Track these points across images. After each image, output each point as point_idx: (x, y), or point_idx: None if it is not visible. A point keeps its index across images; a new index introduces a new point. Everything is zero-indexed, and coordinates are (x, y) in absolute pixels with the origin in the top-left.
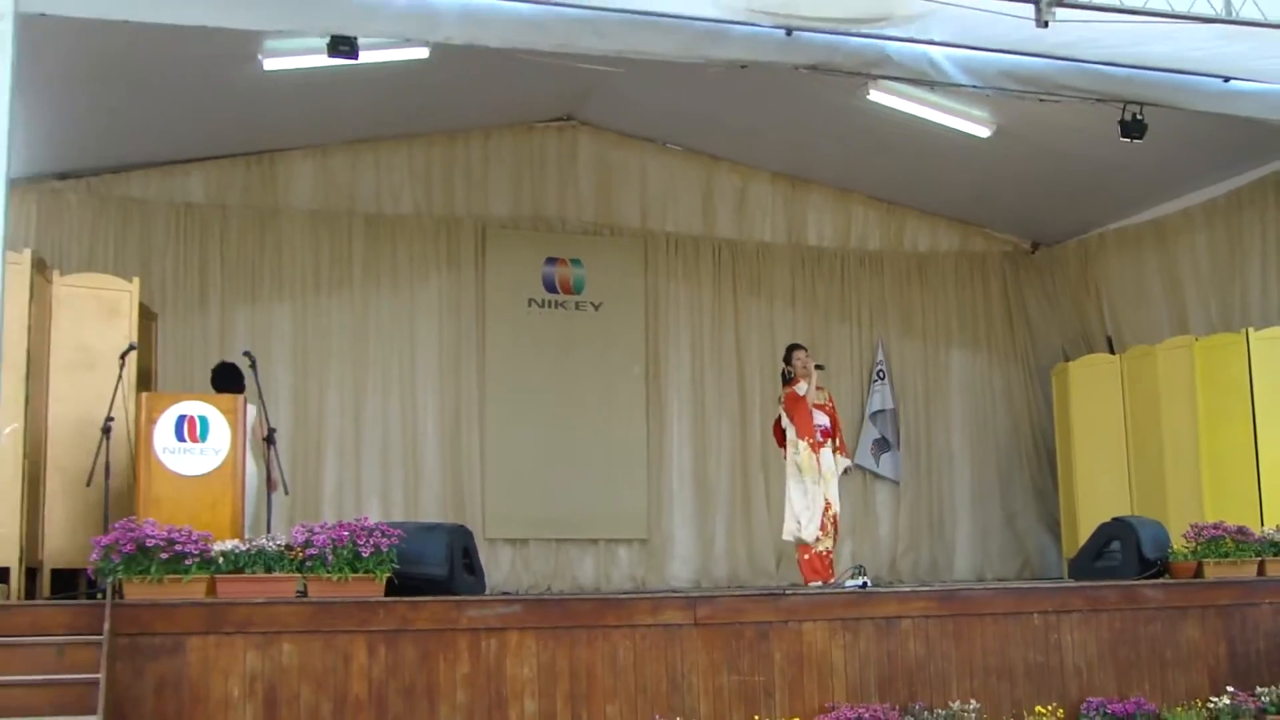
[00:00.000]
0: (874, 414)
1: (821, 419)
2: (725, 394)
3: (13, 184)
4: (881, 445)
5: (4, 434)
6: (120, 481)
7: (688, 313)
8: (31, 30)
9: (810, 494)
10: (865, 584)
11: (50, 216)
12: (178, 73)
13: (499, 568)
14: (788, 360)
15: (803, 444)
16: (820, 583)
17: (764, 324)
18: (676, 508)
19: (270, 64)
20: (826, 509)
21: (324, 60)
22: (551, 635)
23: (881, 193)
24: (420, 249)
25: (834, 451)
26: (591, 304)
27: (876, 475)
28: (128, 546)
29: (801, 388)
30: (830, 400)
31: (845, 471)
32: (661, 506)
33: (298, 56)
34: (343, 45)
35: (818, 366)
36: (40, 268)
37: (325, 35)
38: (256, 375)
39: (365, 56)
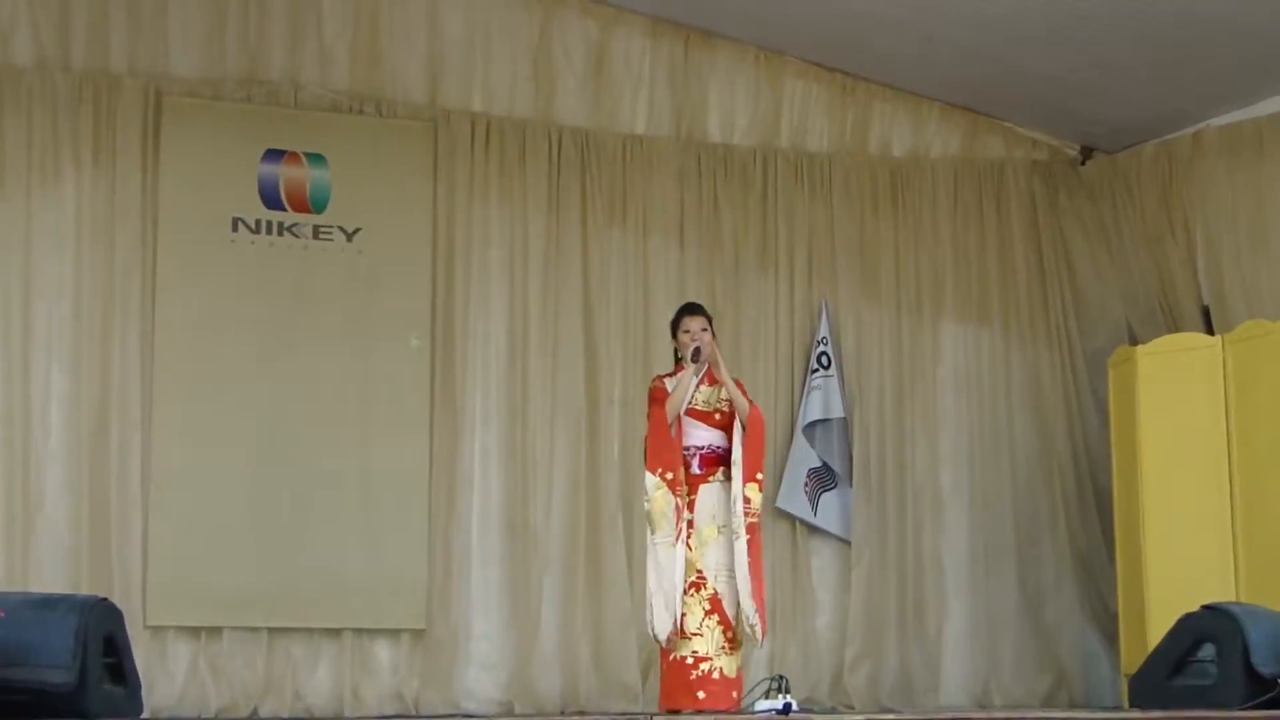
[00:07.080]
0: (809, 426)
1: (707, 435)
2: (562, 384)
3: None
4: (821, 478)
5: None
6: None
7: (503, 248)
8: None
9: (662, 562)
10: (789, 706)
11: None
12: None
13: (170, 675)
14: (674, 333)
15: (650, 479)
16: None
17: (632, 269)
18: (476, 576)
19: None
20: (699, 587)
21: None
22: None
23: (830, 58)
24: (44, 128)
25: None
26: (341, 230)
27: (812, 528)
28: None
29: (671, 382)
30: (735, 401)
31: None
32: (451, 574)
33: None
34: None
35: (694, 355)
36: None
37: None
38: None
39: None
